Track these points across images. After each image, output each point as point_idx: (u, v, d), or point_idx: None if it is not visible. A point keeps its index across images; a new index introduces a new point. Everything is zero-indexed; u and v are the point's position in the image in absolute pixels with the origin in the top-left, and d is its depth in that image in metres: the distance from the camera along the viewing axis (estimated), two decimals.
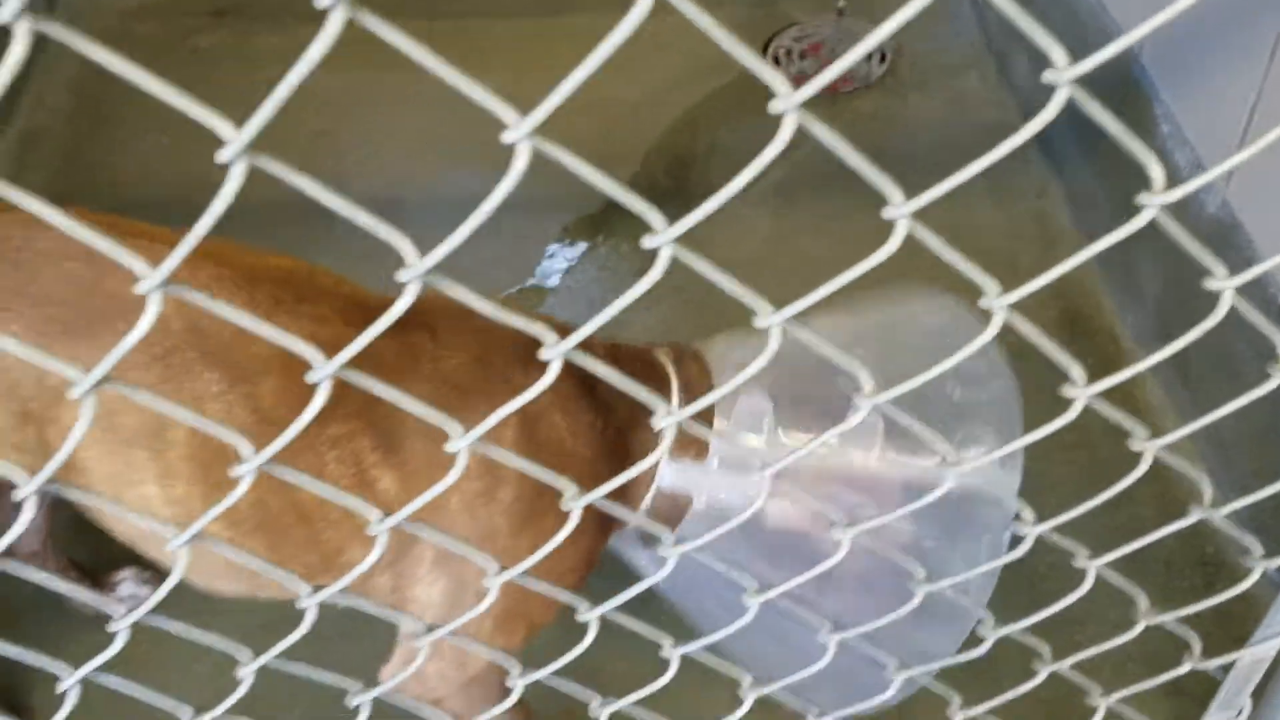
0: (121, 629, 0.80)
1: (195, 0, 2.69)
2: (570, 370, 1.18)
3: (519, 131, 0.52)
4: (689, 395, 1.26)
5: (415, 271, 0.58)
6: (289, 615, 1.73)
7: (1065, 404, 0.73)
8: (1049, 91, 0.51)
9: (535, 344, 1.18)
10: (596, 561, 1.30)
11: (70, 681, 0.87)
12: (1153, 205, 0.58)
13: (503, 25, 2.72)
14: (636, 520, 0.79)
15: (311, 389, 1.09)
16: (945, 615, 1.07)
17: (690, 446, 1.24)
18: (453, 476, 0.67)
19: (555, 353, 0.63)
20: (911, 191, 0.57)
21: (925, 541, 1.20)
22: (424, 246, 0.58)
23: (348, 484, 1.14)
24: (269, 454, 0.67)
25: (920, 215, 0.59)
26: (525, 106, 0.53)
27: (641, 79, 2.66)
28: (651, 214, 0.59)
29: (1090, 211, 2.22)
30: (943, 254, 0.63)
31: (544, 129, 0.53)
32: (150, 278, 0.55)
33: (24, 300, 1.11)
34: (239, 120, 0.50)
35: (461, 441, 0.67)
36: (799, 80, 2.73)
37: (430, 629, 0.89)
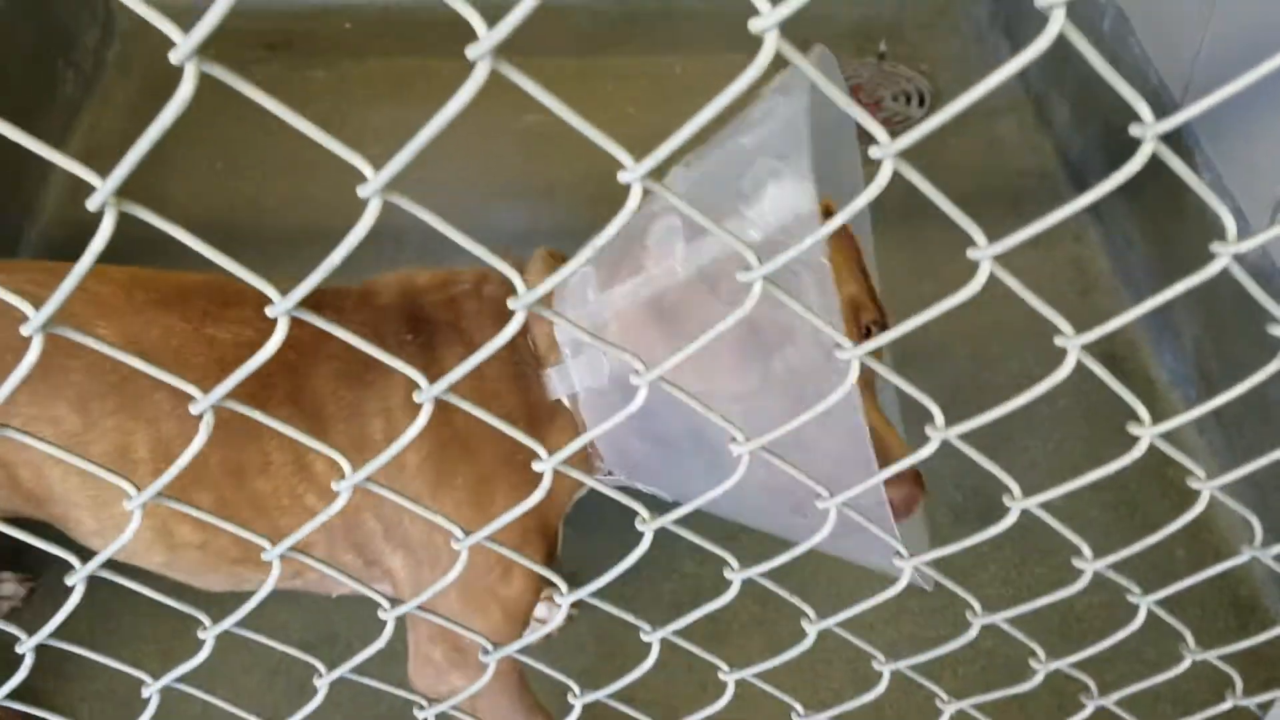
0: (210, 638, 0.84)
1: (249, 34, 2.76)
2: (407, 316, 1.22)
3: (634, 173, 0.56)
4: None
5: (524, 301, 0.62)
6: (322, 638, 1.77)
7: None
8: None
9: (418, 314, 1.23)
10: (543, 514, 1.28)
11: (154, 688, 0.90)
12: (1225, 255, 0.61)
13: (545, 62, 2.77)
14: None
15: (247, 389, 1.16)
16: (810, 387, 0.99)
17: (552, 352, 1.21)
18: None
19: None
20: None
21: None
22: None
23: (290, 471, 1.20)
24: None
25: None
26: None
27: (674, 121, 2.70)
28: (748, 253, 0.62)
29: (1128, 256, 2.24)
30: (1021, 294, 0.66)
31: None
32: (282, 303, 0.58)
33: None
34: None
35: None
36: None
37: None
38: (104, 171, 0.54)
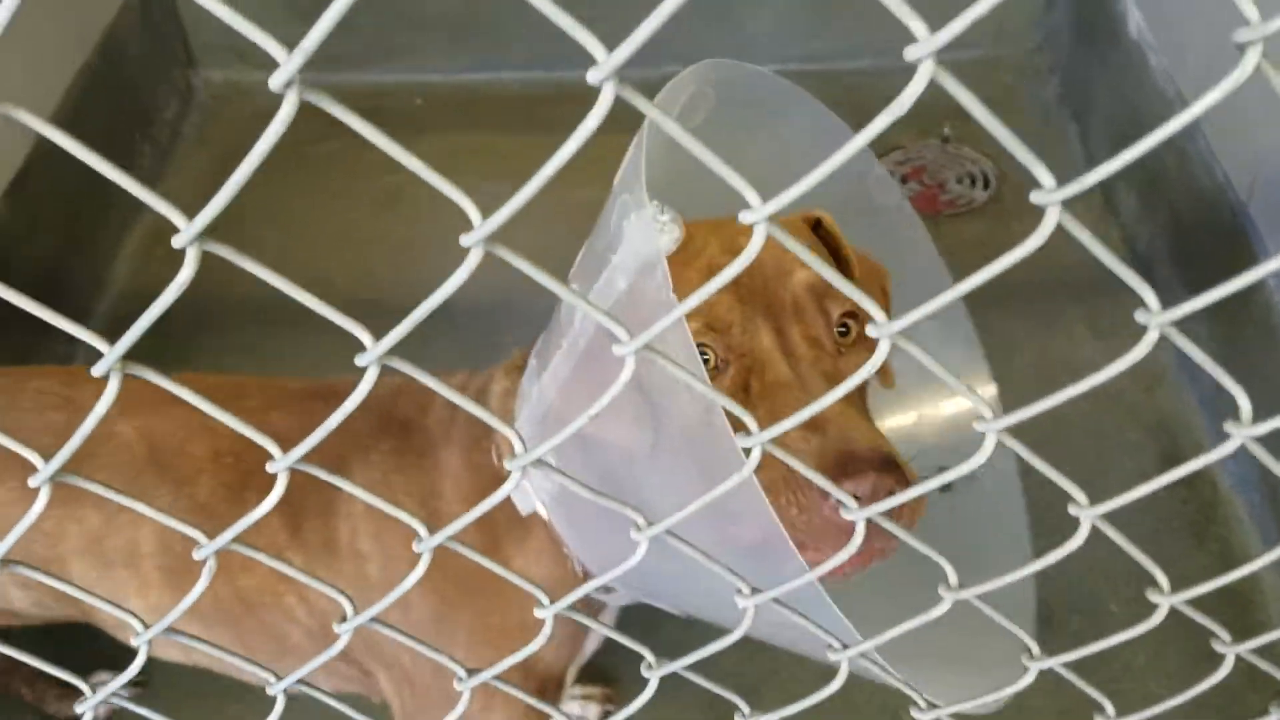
0: None
1: (321, 108, 2.82)
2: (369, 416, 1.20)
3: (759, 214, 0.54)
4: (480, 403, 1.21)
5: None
6: None
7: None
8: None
9: (397, 420, 1.23)
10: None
11: None
12: (1239, 436, 0.59)
13: (611, 139, 2.80)
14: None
15: (233, 476, 1.22)
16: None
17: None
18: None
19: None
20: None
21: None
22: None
23: (269, 569, 1.19)
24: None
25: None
26: None
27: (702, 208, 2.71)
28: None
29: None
30: (1041, 468, 0.65)
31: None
32: (283, 460, 0.59)
33: (9, 453, 1.19)
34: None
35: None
36: None
37: None
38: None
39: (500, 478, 1.12)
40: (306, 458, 0.61)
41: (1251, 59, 0.45)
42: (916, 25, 0.45)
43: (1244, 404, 0.59)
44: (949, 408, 1.36)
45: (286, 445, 0.61)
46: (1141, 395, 2.21)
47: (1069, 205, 0.52)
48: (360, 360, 0.55)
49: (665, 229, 0.93)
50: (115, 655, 1.81)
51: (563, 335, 0.98)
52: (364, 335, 0.55)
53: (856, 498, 0.82)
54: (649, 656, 0.76)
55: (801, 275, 1.00)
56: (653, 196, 0.89)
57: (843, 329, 1.01)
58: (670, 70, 0.97)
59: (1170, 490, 2.02)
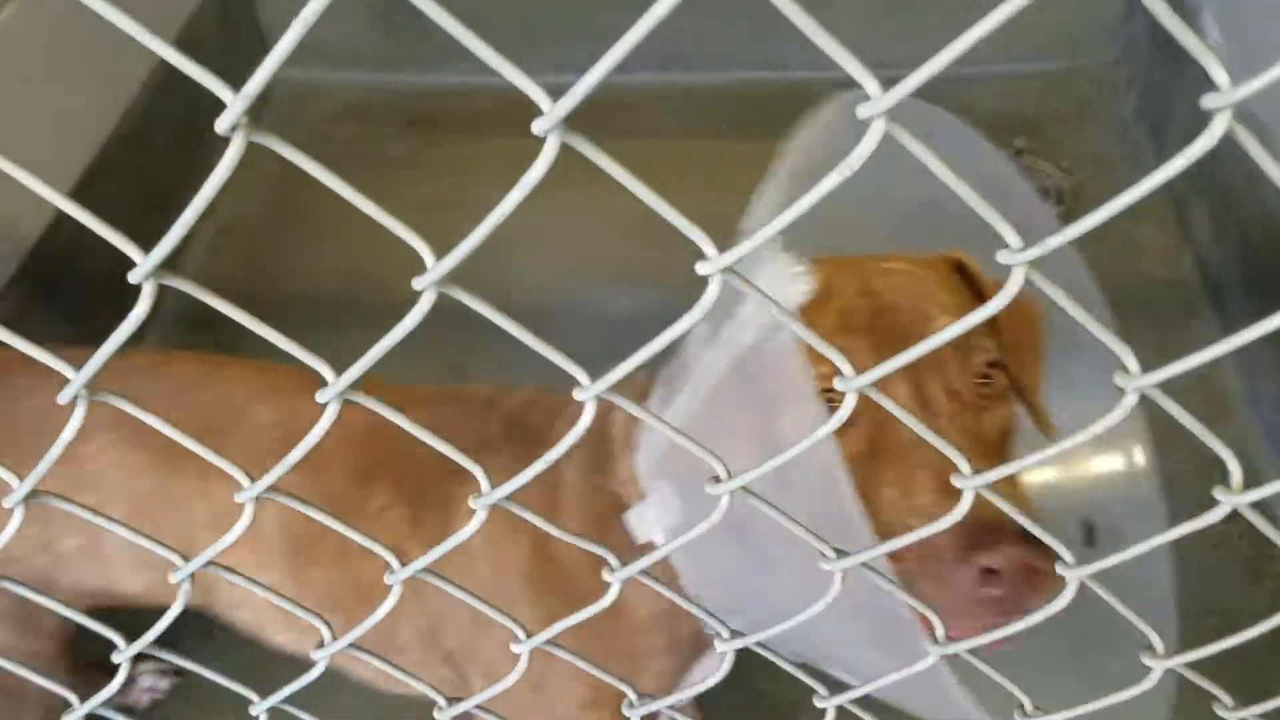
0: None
1: (393, 109, 2.85)
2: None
3: (716, 264, 0.51)
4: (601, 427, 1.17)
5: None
6: None
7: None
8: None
9: (526, 434, 1.21)
10: (628, 680, 1.22)
11: None
12: (1228, 503, 0.57)
13: (668, 145, 2.77)
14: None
15: (359, 464, 1.19)
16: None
17: (631, 490, 1.09)
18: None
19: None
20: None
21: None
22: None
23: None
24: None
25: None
26: (709, 226, 0.48)
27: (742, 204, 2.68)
28: (840, 361, 0.58)
29: (1261, 379, 2.13)
30: (1019, 519, 0.63)
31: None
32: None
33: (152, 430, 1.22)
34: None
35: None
36: None
37: None
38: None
39: (619, 505, 1.08)
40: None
41: (1220, 124, 0.43)
42: (870, 84, 0.44)
43: (1234, 470, 0.57)
44: (1097, 464, 1.28)
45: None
46: (1206, 424, 2.15)
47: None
48: (321, 396, 0.55)
49: (798, 280, 0.91)
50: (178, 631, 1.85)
51: (686, 379, 0.95)
52: (326, 371, 0.56)
53: (993, 570, 0.79)
54: (631, 695, 0.75)
55: (942, 321, 0.93)
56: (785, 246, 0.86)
57: (985, 379, 0.95)
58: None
59: (1225, 524, 1.96)
